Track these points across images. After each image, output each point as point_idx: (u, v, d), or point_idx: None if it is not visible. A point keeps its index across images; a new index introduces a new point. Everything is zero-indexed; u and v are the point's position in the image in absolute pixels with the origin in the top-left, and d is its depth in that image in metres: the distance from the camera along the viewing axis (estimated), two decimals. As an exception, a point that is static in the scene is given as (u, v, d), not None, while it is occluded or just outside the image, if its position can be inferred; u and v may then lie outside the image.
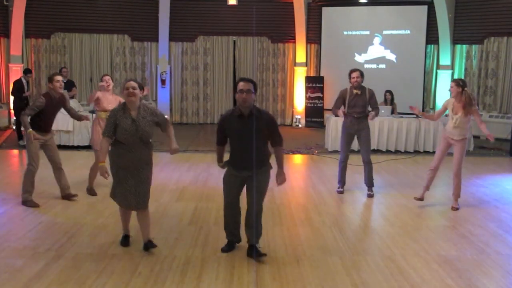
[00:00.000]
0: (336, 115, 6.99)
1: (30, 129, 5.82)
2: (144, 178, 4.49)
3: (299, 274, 4.22)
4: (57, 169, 6.28)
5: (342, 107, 6.85)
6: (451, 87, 6.14)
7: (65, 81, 11.45)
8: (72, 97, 11.51)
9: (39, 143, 6.01)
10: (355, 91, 6.70)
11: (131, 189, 4.45)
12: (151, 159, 4.61)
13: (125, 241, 4.82)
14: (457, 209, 6.23)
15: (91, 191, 6.66)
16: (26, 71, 11.06)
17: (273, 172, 4.51)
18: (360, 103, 6.68)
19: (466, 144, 6.28)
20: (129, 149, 4.39)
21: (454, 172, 6.22)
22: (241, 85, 4.26)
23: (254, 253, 4.46)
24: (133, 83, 4.41)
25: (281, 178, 4.46)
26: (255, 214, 4.42)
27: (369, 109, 6.85)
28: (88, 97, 6.83)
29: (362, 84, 6.74)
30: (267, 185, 4.52)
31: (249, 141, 4.24)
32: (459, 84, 6.06)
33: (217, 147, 4.61)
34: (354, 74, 6.65)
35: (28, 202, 6.02)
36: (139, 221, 4.66)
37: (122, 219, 4.81)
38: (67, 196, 6.31)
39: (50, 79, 6.03)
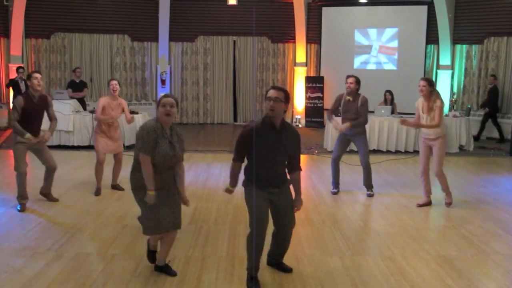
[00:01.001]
0: (333, 126, 7.07)
1: (28, 134, 5.74)
2: (176, 197, 4.07)
3: (299, 274, 4.22)
4: (49, 171, 6.17)
5: (336, 119, 6.91)
6: (423, 86, 5.96)
7: (77, 81, 11.49)
8: (82, 98, 11.52)
9: (25, 147, 5.89)
10: (347, 97, 6.70)
11: (166, 211, 3.96)
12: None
13: (154, 256, 4.33)
14: (450, 203, 6.28)
15: (98, 191, 6.69)
16: (18, 69, 11.06)
17: None
18: (351, 110, 6.68)
19: (445, 143, 6.23)
20: (160, 171, 3.90)
21: (435, 173, 6.18)
22: (270, 92, 3.86)
23: (283, 269, 4.30)
24: (171, 101, 3.90)
25: (299, 204, 4.12)
26: (290, 233, 4.14)
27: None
28: (97, 114, 6.66)
29: (359, 92, 6.69)
30: (291, 203, 4.13)
31: (279, 155, 3.91)
32: (430, 84, 6.01)
33: (234, 165, 4.00)
34: (349, 80, 6.63)
35: (22, 206, 5.92)
36: (163, 241, 4.16)
37: (151, 240, 4.26)
38: (46, 195, 6.27)
39: (29, 77, 5.86)
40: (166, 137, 3.89)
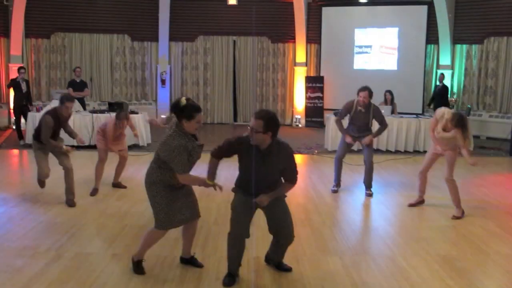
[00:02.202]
0: (342, 132, 7.01)
1: (65, 146, 6.16)
2: (188, 187, 4.15)
3: (299, 274, 4.22)
4: (67, 174, 6.19)
5: (348, 137, 6.80)
6: (450, 120, 5.69)
7: (78, 81, 11.48)
8: (83, 98, 11.52)
9: (44, 153, 6.14)
10: (359, 108, 6.70)
11: (179, 205, 4.03)
12: None
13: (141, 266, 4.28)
14: (457, 218, 5.89)
15: (94, 192, 6.68)
16: (19, 69, 11.07)
17: None
18: (362, 119, 6.71)
19: (456, 152, 5.96)
20: None
21: (445, 178, 6.03)
22: (250, 120, 3.77)
23: (283, 269, 4.31)
24: (202, 116, 3.95)
25: (264, 198, 3.87)
26: (288, 243, 4.15)
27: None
28: (107, 135, 6.72)
29: (370, 101, 6.69)
30: (289, 213, 4.11)
31: (264, 173, 3.85)
32: (458, 122, 5.64)
33: (212, 160, 4.01)
34: (362, 94, 6.59)
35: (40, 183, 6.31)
36: (186, 234, 4.27)
37: (153, 240, 4.21)
38: (67, 201, 6.19)
39: (62, 102, 6.04)
40: (192, 141, 3.85)
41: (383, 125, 6.78)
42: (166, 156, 3.80)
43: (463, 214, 5.96)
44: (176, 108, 3.81)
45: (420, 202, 6.38)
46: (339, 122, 6.96)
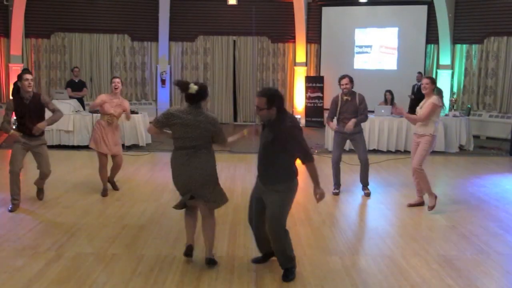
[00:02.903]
0: (331, 128, 7.04)
1: (12, 130, 5.83)
2: None
3: (299, 274, 4.22)
4: (42, 177, 6.11)
5: (334, 122, 6.88)
6: (426, 83, 5.98)
7: (76, 80, 11.48)
8: (82, 97, 11.52)
9: (23, 147, 5.84)
10: (345, 97, 6.71)
11: None
12: None
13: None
14: (432, 207, 6.01)
15: (104, 192, 6.62)
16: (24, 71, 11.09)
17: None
18: (350, 109, 6.68)
19: (432, 142, 6.01)
20: None
21: (412, 168, 6.06)
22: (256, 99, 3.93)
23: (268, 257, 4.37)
24: None
25: (318, 194, 4.01)
26: (272, 238, 4.03)
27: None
28: (91, 104, 6.69)
29: (353, 90, 6.71)
30: (281, 209, 3.96)
31: (267, 152, 3.95)
32: (433, 82, 6.02)
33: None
34: (343, 81, 6.64)
35: (13, 206, 5.84)
36: (205, 230, 4.42)
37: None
38: (38, 191, 6.26)
39: (19, 77, 5.82)
40: None
41: (365, 114, 6.67)
42: (218, 128, 4.24)
43: (436, 199, 6.06)
44: (198, 96, 4.15)
45: (419, 203, 6.33)
46: (328, 118, 6.97)
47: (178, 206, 4.36)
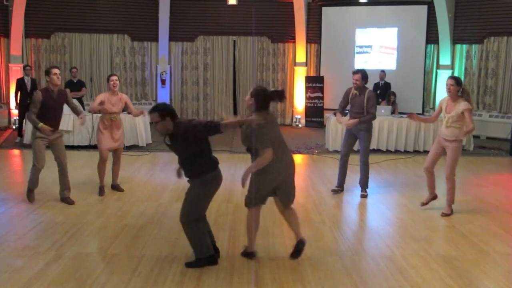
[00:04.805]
0: (337, 120, 7.06)
1: (41, 123, 5.81)
2: None
3: (299, 274, 4.22)
4: (61, 169, 6.19)
5: (340, 115, 6.88)
6: (450, 85, 5.77)
7: (75, 81, 11.49)
8: (81, 97, 11.53)
9: (44, 143, 5.96)
10: (354, 91, 6.70)
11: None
12: None
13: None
14: (447, 215, 5.92)
15: (101, 191, 6.67)
16: (25, 67, 11.12)
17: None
18: (357, 104, 6.65)
19: (460, 147, 5.92)
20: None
21: (446, 176, 5.95)
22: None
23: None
24: None
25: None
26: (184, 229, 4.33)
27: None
28: (90, 107, 6.75)
29: (366, 86, 6.68)
30: (192, 198, 4.23)
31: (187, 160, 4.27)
32: (458, 83, 5.79)
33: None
34: (355, 77, 6.60)
35: (29, 196, 6.15)
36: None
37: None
38: (64, 199, 6.22)
39: (47, 72, 5.93)
40: None
41: (370, 113, 6.55)
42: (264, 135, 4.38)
43: (452, 212, 6.00)
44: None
45: (433, 198, 6.18)
46: (338, 110, 6.94)
47: (259, 201, 4.44)
